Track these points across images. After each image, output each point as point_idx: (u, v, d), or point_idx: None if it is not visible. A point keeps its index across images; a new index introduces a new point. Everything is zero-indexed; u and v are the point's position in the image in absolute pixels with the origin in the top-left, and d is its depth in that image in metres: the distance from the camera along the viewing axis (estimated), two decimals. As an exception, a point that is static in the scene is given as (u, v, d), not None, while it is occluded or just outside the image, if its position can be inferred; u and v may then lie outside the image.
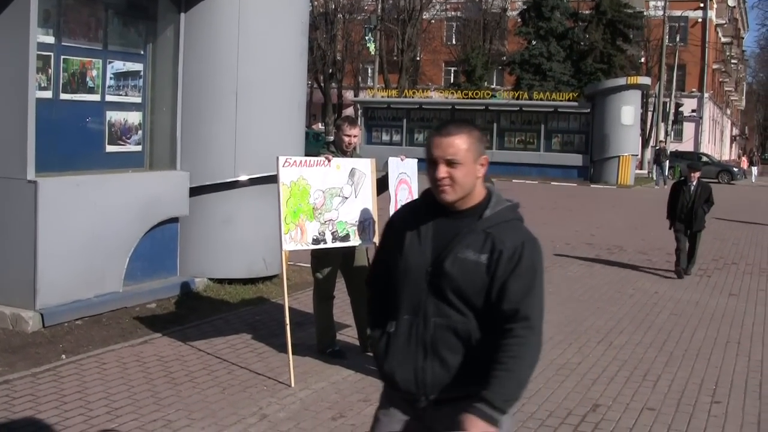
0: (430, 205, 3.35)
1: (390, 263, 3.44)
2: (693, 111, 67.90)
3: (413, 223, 3.38)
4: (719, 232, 20.12)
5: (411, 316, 3.33)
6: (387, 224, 3.60)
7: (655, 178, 39.83)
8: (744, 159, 60.67)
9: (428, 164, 3.26)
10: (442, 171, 3.21)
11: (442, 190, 3.24)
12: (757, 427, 6.56)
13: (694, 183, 13.50)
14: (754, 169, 52.33)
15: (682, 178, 14.07)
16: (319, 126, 62.88)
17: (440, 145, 3.23)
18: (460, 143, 3.22)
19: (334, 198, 7.38)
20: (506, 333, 3.20)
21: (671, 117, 51.63)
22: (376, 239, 7.43)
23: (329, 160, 7.41)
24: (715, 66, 76.15)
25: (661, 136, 50.00)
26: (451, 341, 3.27)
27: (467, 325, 3.26)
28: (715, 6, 71.95)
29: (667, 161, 40.85)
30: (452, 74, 69.41)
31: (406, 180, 8.27)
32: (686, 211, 13.45)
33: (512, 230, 3.29)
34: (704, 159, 51.84)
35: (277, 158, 7.12)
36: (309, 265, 8.21)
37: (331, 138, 9.04)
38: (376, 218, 7.66)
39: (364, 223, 7.58)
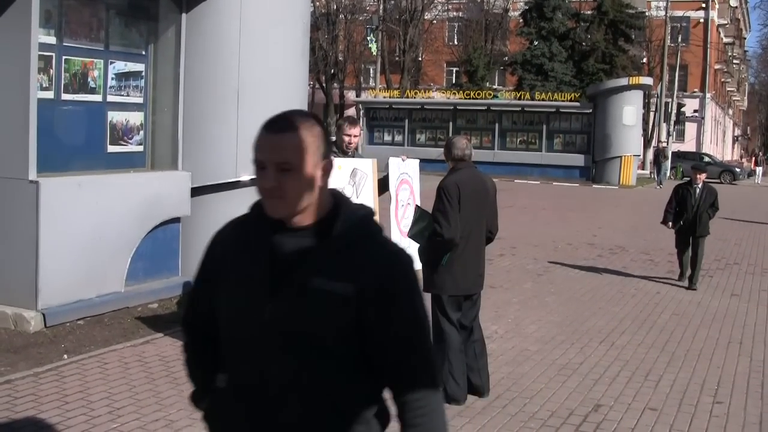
0: (262, 220, 2.52)
1: (213, 302, 2.65)
2: (695, 111, 67.91)
3: (241, 245, 2.60)
4: (721, 233, 20.08)
5: (245, 381, 2.53)
6: (208, 246, 2.79)
7: (656, 179, 39.79)
8: (746, 159, 60.70)
9: (255, 169, 2.49)
10: (270, 178, 2.42)
11: (269, 203, 2.46)
12: (759, 427, 6.56)
13: (700, 185, 12.70)
14: (759, 170, 52.16)
15: (687, 179, 13.50)
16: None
17: (269, 144, 2.46)
18: (294, 142, 2.42)
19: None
20: (403, 407, 2.48)
21: (673, 117, 51.64)
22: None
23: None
24: (717, 66, 76.12)
25: (663, 137, 50.01)
26: (302, 410, 2.46)
27: (328, 387, 2.45)
28: (716, 6, 71.92)
29: (668, 162, 40.79)
30: (454, 74, 69.38)
31: (408, 180, 8.28)
32: (691, 216, 12.68)
33: (374, 248, 2.50)
34: (706, 159, 51.84)
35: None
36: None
37: (333, 138, 9.04)
38: (377, 219, 7.64)
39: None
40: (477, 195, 6.72)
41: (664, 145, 40.52)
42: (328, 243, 2.45)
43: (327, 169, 2.48)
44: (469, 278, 6.77)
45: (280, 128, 2.44)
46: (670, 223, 13.04)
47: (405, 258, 2.53)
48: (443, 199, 6.55)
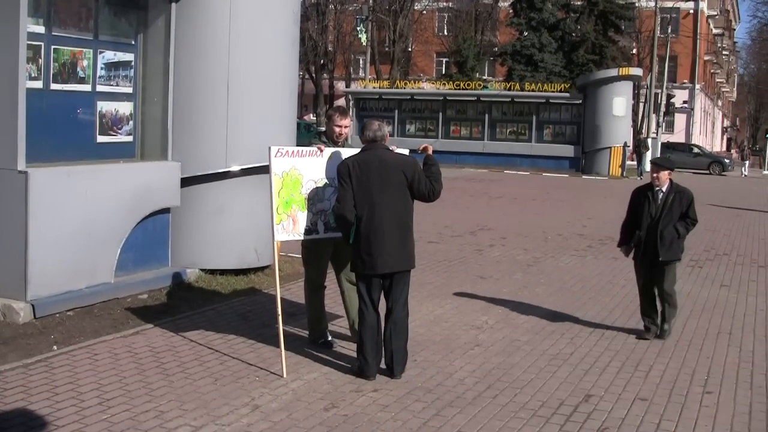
0: None
1: None
2: (684, 102, 68.08)
3: None
4: (711, 223, 20.16)
5: None
6: None
7: (637, 169, 39.67)
8: (735, 150, 60.37)
9: None
10: None
11: None
12: (748, 416, 6.58)
13: (664, 189, 8.85)
14: (746, 162, 51.89)
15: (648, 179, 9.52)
16: (311, 117, 62.82)
17: None
18: None
19: (327, 188, 7.37)
20: None
21: (663, 108, 51.68)
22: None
23: (321, 150, 7.39)
24: (706, 57, 76.27)
25: (653, 128, 50.06)
26: None
27: None
28: (706, -3, 72.06)
29: (649, 152, 40.67)
30: (444, 65, 69.40)
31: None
32: (644, 232, 8.86)
33: None
34: (695, 150, 51.95)
35: (269, 148, 7.11)
36: (300, 256, 8.21)
37: (323, 129, 9.03)
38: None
39: (357, 214, 7.57)
40: (375, 173, 6.87)
41: (645, 135, 40.18)
42: None
43: None
44: (382, 257, 6.86)
45: None
46: (625, 247, 9.23)
47: None
48: (337, 179, 6.98)
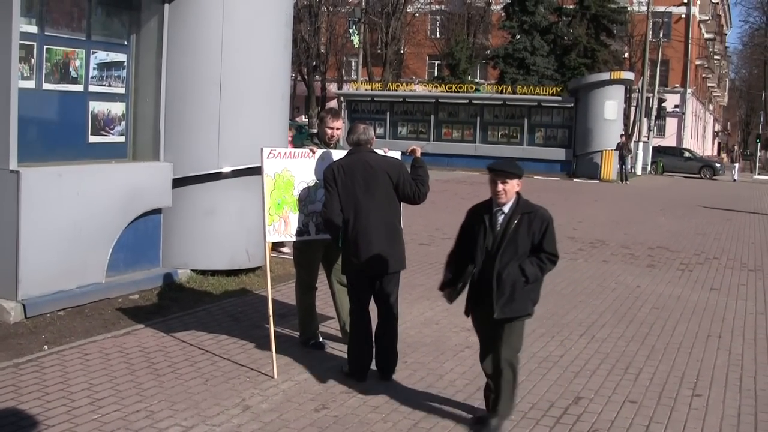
0: None
1: None
2: (676, 106, 68.21)
3: None
4: (701, 227, 20.23)
5: None
6: None
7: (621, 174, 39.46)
8: (725, 155, 60.00)
9: None
10: None
11: None
12: (737, 419, 6.61)
13: (507, 209, 5.90)
14: (736, 166, 51.53)
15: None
16: (303, 118, 62.78)
17: None
18: None
19: (319, 190, 7.38)
20: None
21: (654, 112, 51.77)
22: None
23: (314, 152, 7.41)
24: (698, 62, 76.50)
25: (644, 132, 50.13)
26: None
27: None
28: (698, 2, 72.17)
29: (629, 156, 40.49)
30: (436, 68, 69.44)
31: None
32: (477, 272, 5.96)
33: None
34: (687, 154, 52.03)
35: (262, 149, 7.12)
36: (291, 257, 8.21)
37: (314, 130, 9.05)
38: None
39: (348, 215, 7.59)
40: (360, 176, 6.87)
41: (624, 139, 39.80)
42: None
43: None
44: (370, 259, 6.86)
45: None
46: (448, 290, 6.27)
47: None
48: (323, 183, 7.00)
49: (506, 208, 5.87)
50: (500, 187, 5.81)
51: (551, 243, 5.87)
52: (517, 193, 5.89)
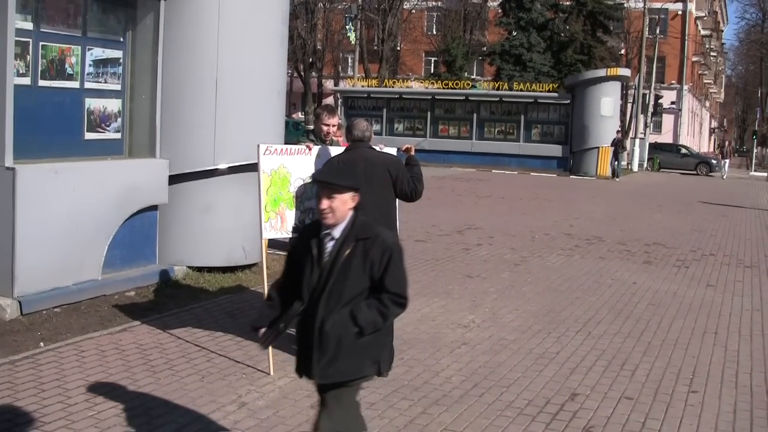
0: None
1: None
2: (672, 103, 68.25)
3: None
4: (697, 224, 20.25)
5: None
6: None
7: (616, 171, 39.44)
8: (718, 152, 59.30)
9: None
10: None
11: None
12: (733, 415, 6.62)
13: (337, 232, 4.35)
14: (726, 162, 50.50)
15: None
16: (299, 115, 62.77)
17: None
18: None
19: (315, 186, 7.38)
20: None
21: (650, 109, 51.80)
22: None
23: (310, 149, 7.41)
24: (694, 58, 76.51)
25: (641, 128, 50.15)
26: None
27: None
28: (695, -2, 72.29)
29: (625, 153, 40.38)
30: (432, 64, 69.47)
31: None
32: (307, 313, 4.37)
33: None
34: (683, 151, 52.09)
35: (258, 146, 7.12)
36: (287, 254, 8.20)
37: (311, 127, 9.04)
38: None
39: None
40: (360, 172, 6.80)
41: (620, 136, 39.63)
42: None
43: None
44: None
45: None
46: (264, 332, 4.66)
47: None
48: None
49: (336, 232, 4.34)
50: (325, 203, 4.28)
51: (396, 279, 4.31)
52: (354, 212, 4.38)
